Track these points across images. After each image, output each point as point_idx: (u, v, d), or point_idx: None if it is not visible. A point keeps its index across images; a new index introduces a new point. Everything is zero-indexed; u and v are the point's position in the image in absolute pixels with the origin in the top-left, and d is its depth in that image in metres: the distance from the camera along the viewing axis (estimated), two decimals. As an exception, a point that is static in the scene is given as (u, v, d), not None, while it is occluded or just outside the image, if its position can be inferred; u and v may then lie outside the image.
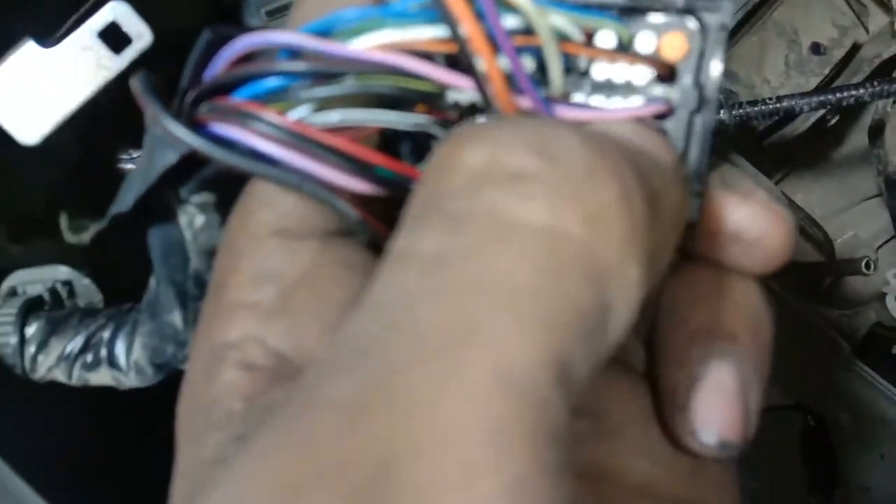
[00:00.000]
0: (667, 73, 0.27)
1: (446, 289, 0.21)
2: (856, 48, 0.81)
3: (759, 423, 0.29)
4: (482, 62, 0.25)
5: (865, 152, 0.84)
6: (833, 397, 0.82)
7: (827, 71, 0.80)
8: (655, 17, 0.27)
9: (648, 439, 0.30)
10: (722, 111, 0.67)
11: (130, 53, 0.49)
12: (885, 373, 0.81)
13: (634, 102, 0.27)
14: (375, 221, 0.27)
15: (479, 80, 0.25)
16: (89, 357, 0.48)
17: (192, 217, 0.32)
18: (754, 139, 0.85)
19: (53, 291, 0.51)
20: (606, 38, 0.27)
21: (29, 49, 0.49)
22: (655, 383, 0.30)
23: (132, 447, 0.49)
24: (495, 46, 0.25)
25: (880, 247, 0.88)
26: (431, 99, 0.26)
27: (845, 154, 0.88)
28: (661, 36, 0.27)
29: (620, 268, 0.22)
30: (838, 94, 0.66)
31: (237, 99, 0.26)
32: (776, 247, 0.28)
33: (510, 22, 0.25)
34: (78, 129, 0.49)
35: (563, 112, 0.27)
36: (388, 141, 0.28)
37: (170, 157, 0.27)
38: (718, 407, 0.28)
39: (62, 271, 0.52)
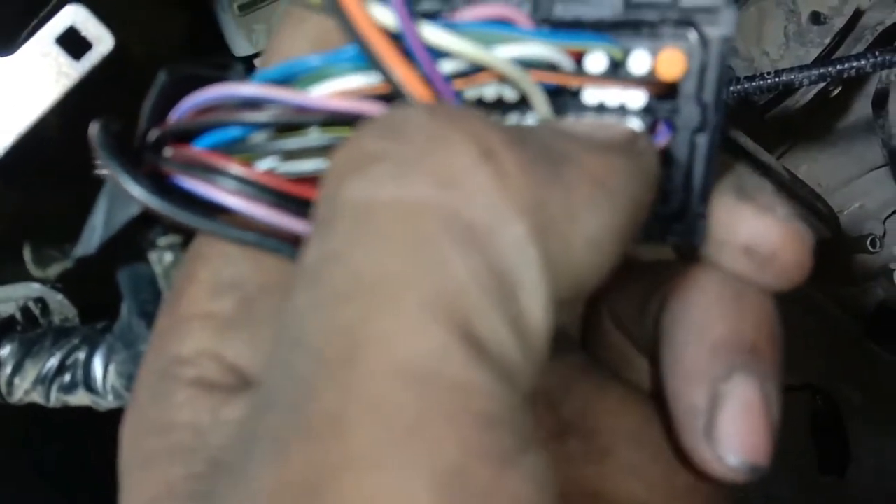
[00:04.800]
0: (665, 92, 0.26)
1: (326, 299, 0.20)
2: (857, 16, 0.78)
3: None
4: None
5: (870, 121, 0.82)
6: (842, 376, 0.80)
7: (828, 41, 0.78)
8: (651, 32, 0.25)
9: (642, 459, 0.28)
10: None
11: (91, 59, 0.47)
12: (895, 350, 0.80)
13: (631, 125, 0.25)
14: None
15: None
16: (66, 378, 0.46)
17: (162, 255, 0.32)
18: (755, 113, 0.83)
19: (26, 310, 0.49)
20: (597, 59, 0.26)
21: (-15, 58, 0.47)
22: (668, 402, 0.28)
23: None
24: (433, 88, 0.24)
25: (887, 218, 0.86)
26: None
27: (850, 123, 0.86)
28: (658, 52, 0.25)
29: (497, 224, 0.21)
30: (839, 66, 0.64)
31: (199, 148, 0.25)
32: (792, 264, 0.27)
33: (449, 66, 0.24)
34: (40, 139, 0.47)
35: None
36: None
37: (132, 210, 0.27)
38: (748, 430, 0.26)
39: (34, 288, 0.50)
